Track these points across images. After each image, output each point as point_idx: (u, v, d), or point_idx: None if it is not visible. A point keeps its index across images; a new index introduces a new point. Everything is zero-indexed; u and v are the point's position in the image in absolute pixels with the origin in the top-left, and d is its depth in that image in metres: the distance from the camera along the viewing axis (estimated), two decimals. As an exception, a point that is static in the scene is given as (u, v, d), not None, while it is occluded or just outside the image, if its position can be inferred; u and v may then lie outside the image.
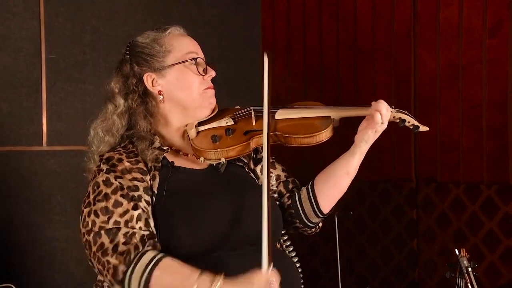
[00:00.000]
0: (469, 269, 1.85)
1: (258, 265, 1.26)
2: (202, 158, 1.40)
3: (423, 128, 1.44)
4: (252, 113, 1.44)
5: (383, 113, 1.38)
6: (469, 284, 1.81)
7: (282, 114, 1.45)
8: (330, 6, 2.96)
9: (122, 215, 1.28)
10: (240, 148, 1.39)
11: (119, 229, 1.27)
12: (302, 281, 1.45)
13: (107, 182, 1.32)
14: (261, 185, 1.49)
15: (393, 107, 1.44)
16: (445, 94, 2.60)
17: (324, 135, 1.41)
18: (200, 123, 1.44)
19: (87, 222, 1.30)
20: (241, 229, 1.34)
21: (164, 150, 1.39)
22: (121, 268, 1.24)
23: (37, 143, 2.45)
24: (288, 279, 1.36)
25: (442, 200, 2.58)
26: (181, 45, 1.44)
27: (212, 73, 1.45)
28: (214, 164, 1.42)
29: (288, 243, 1.49)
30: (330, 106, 1.47)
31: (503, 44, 2.44)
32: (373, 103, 1.40)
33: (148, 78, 1.43)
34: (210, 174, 1.42)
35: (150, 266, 1.23)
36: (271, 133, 1.39)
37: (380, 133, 1.41)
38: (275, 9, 3.16)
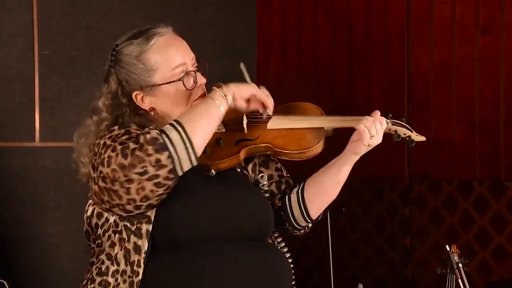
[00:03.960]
0: (460, 264, 1.86)
1: (256, 258, 1.29)
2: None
3: (419, 139, 1.44)
4: (244, 120, 1.40)
5: (369, 127, 1.37)
6: (459, 280, 1.83)
7: (274, 124, 1.41)
8: (324, 5, 2.96)
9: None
10: (230, 160, 1.37)
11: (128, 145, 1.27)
12: (293, 276, 1.45)
13: (128, 132, 1.32)
14: (254, 183, 1.50)
15: (391, 116, 1.42)
16: (438, 91, 2.61)
17: (315, 150, 1.39)
18: None
19: (109, 153, 1.26)
20: (237, 223, 1.34)
21: None
22: (159, 141, 1.23)
23: (30, 139, 2.45)
24: (278, 270, 1.37)
25: (435, 197, 2.60)
26: (167, 60, 1.37)
27: (202, 81, 1.40)
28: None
29: (280, 240, 1.49)
30: (326, 115, 1.44)
31: (495, 41, 2.45)
32: (365, 117, 1.38)
33: (137, 97, 1.39)
34: (204, 175, 1.41)
35: (174, 121, 1.28)
36: (262, 144, 1.38)
37: (373, 146, 1.40)
38: (270, 7, 3.16)
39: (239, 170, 1.49)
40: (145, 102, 1.39)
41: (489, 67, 2.47)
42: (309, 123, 1.41)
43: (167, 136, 1.24)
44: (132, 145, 1.25)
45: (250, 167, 1.51)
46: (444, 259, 1.92)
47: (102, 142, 1.31)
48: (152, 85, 1.37)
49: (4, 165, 2.39)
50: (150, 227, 1.30)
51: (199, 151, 1.27)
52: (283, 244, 1.48)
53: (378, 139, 1.39)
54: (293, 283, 1.45)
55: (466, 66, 2.53)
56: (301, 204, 1.47)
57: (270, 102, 1.38)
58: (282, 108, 1.47)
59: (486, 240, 2.45)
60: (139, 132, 1.32)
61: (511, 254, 2.40)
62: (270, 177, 1.52)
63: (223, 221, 1.34)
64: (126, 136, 1.30)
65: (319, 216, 1.52)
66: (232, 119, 1.42)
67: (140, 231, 1.30)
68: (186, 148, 1.24)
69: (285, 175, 1.55)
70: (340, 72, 2.91)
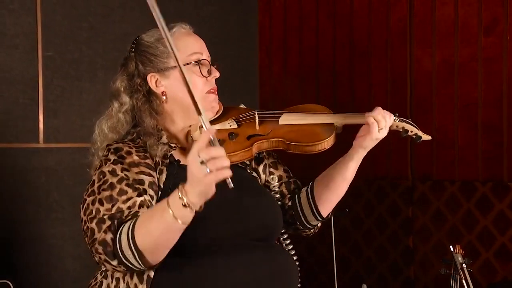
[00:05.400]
0: (464, 265, 1.86)
1: (263, 259, 1.29)
2: None
3: (425, 137, 1.45)
4: (256, 116, 1.43)
5: (379, 120, 1.38)
6: (463, 280, 1.83)
7: (285, 119, 1.44)
8: (326, 5, 2.96)
9: (125, 201, 1.28)
10: (243, 154, 1.38)
11: (122, 213, 1.27)
12: (299, 276, 1.46)
13: (113, 173, 1.32)
14: (265, 184, 1.51)
15: (397, 114, 1.44)
16: (441, 92, 2.62)
17: (327, 143, 1.41)
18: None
19: (91, 210, 1.29)
20: (244, 224, 1.35)
21: (172, 147, 1.39)
22: (109, 236, 1.25)
23: (33, 140, 2.45)
24: (285, 271, 1.38)
25: (437, 198, 2.60)
26: (185, 46, 1.42)
27: (216, 74, 1.44)
28: None
29: (288, 241, 1.50)
30: (334, 112, 1.47)
31: (498, 42, 2.45)
32: (374, 109, 1.40)
33: (152, 79, 1.42)
34: None
35: (131, 225, 1.24)
36: (274, 139, 1.39)
37: (380, 139, 1.41)
38: (272, 8, 3.16)
39: (248, 171, 1.49)
40: (158, 85, 1.42)
41: (491, 68, 2.47)
42: (319, 120, 1.44)
43: (120, 244, 1.24)
44: (101, 231, 1.27)
45: (261, 168, 1.52)
46: (447, 259, 1.92)
47: (96, 173, 1.33)
48: (168, 67, 1.40)
49: (7, 166, 2.39)
50: None
51: (150, 257, 1.25)
52: (291, 247, 1.49)
53: (384, 132, 1.41)
54: (299, 282, 1.46)
55: (469, 66, 2.53)
56: (311, 202, 1.49)
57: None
58: (291, 108, 1.50)
59: (489, 240, 2.45)
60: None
61: (514, 254, 2.40)
62: (279, 178, 1.54)
63: (230, 223, 1.34)
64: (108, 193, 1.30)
65: (329, 214, 1.53)
66: (244, 116, 1.45)
67: None
68: (135, 258, 1.24)
69: (292, 176, 1.57)
70: (342, 72, 2.91)
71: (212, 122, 1.44)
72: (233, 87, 3.01)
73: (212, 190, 1.16)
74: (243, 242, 1.34)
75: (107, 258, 1.26)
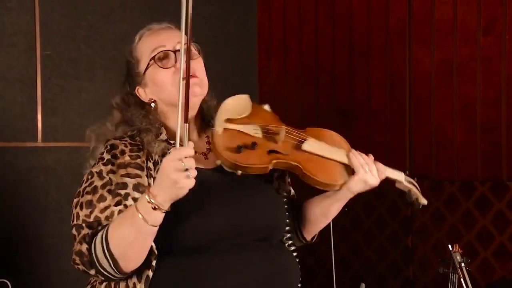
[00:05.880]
0: (462, 264, 1.86)
1: (263, 259, 1.29)
2: (218, 161, 1.34)
3: (423, 202, 1.49)
4: (283, 133, 1.38)
5: (361, 163, 1.40)
6: (462, 280, 1.82)
7: (310, 146, 1.40)
8: (325, 5, 2.96)
9: (102, 210, 1.29)
10: (258, 169, 1.34)
11: (99, 222, 1.28)
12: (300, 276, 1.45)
13: (100, 174, 1.33)
14: (270, 183, 1.47)
15: (407, 172, 1.47)
16: (440, 91, 2.62)
17: (339, 187, 1.41)
18: (229, 119, 1.37)
19: (74, 214, 1.31)
20: (245, 224, 1.34)
21: (171, 144, 1.38)
22: (85, 247, 1.26)
23: (32, 139, 2.44)
24: (285, 270, 1.38)
25: (436, 197, 2.59)
26: (145, 48, 1.41)
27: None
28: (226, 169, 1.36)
29: (291, 242, 1.48)
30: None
31: (497, 42, 2.45)
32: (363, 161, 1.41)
33: (139, 92, 1.43)
34: (215, 174, 1.40)
35: (104, 233, 1.25)
36: (293, 162, 1.36)
37: (370, 185, 1.43)
38: (271, 8, 3.16)
39: None
40: (142, 95, 1.43)
41: (490, 67, 2.47)
42: (340, 157, 1.42)
43: (95, 253, 1.25)
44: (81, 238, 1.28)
45: (275, 175, 1.49)
46: (446, 258, 1.92)
47: (90, 178, 1.34)
48: (140, 75, 1.41)
49: (6, 165, 2.39)
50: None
51: (124, 264, 1.25)
52: (293, 248, 1.48)
53: (373, 178, 1.42)
54: (299, 285, 1.45)
55: (468, 66, 2.53)
56: (296, 226, 1.53)
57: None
58: (316, 133, 1.45)
59: (488, 240, 2.45)
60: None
61: (513, 254, 2.40)
62: (288, 192, 1.53)
63: (230, 223, 1.33)
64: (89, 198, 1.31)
65: (312, 240, 1.58)
66: (271, 128, 1.40)
67: None
68: (110, 266, 1.25)
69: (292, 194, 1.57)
70: (341, 72, 2.91)
71: (239, 119, 1.39)
72: (232, 87, 2.99)
73: (184, 193, 1.20)
74: (243, 242, 1.33)
75: (85, 269, 1.27)
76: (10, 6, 2.40)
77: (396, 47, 2.73)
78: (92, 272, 1.27)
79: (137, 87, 1.43)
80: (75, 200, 1.33)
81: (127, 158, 1.34)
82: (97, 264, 1.25)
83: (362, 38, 2.84)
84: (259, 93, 3.15)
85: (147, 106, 1.43)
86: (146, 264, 1.29)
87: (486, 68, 2.48)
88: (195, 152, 1.37)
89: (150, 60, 1.39)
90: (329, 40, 2.95)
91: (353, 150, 1.45)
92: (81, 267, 1.27)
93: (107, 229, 1.25)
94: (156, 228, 1.23)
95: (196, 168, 1.26)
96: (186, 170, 1.17)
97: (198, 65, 1.41)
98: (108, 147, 1.37)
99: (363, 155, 1.44)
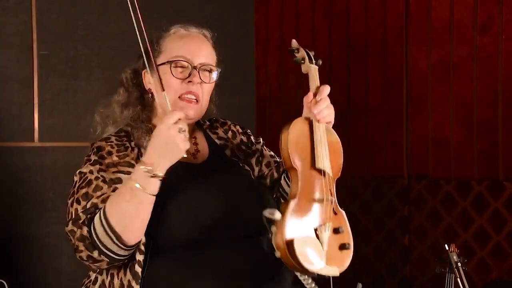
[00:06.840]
0: (459, 264, 1.86)
1: (253, 254, 1.29)
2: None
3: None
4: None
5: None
6: (458, 279, 1.83)
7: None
8: (323, 5, 2.97)
9: (99, 196, 1.31)
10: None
11: (96, 206, 1.30)
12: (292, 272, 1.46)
13: (91, 173, 1.35)
14: (258, 175, 1.53)
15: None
16: (437, 91, 2.62)
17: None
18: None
19: (71, 212, 1.32)
20: (236, 220, 1.36)
21: None
22: (85, 230, 1.27)
23: (29, 139, 2.45)
24: (277, 264, 1.38)
25: (433, 197, 2.60)
26: (172, 47, 1.45)
27: (194, 79, 1.42)
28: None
29: None
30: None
31: (493, 41, 2.46)
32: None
33: (144, 75, 1.48)
34: (204, 168, 1.43)
35: (101, 211, 1.27)
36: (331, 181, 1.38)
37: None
38: (269, 8, 3.16)
39: (241, 164, 1.50)
40: (146, 80, 1.47)
41: (487, 67, 2.48)
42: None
43: (95, 233, 1.26)
44: (79, 223, 1.29)
45: (253, 161, 1.54)
46: (443, 258, 1.92)
47: (77, 173, 1.37)
48: (155, 64, 1.42)
49: (2, 165, 2.39)
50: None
51: (127, 237, 1.26)
52: None
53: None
54: (291, 281, 1.45)
55: (465, 65, 2.54)
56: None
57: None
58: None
59: (485, 239, 2.46)
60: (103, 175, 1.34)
61: (509, 253, 2.40)
62: (268, 164, 1.56)
63: (219, 219, 1.35)
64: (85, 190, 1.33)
65: None
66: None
67: None
68: (113, 242, 1.26)
69: (278, 159, 1.59)
70: (339, 72, 2.91)
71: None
72: (230, 86, 3.00)
73: (181, 156, 1.24)
74: (232, 237, 1.35)
75: (88, 253, 1.27)
76: (7, 6, 2.40)
77: (393, 46, 2.73)
78: (95, 254, 1.27)
79: (144, 70, 1.46)
80: (70, 201, 1.35)
81: (115, 158, 1.37)
82: (99, 245, 1.26)
83: (359, 37, 2.84)
84: (257, 93, 3.15)
85: (145, 94, 1.47)
86: (138, 261, 1.30)
87: (483, 68, 2.49)
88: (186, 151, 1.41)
89: (169, 61, 1.42)
90: (327, 40, 2.96)
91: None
92: (84, 253, 1.27)
93: (104, 208, 1.26)
94: (154, 197, 1.25)
95: (184, 162, 1.32)
96: (182, 132, 1.23)
97: (205, 90, 1.45)
98: (95, 149, 1.39)
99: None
